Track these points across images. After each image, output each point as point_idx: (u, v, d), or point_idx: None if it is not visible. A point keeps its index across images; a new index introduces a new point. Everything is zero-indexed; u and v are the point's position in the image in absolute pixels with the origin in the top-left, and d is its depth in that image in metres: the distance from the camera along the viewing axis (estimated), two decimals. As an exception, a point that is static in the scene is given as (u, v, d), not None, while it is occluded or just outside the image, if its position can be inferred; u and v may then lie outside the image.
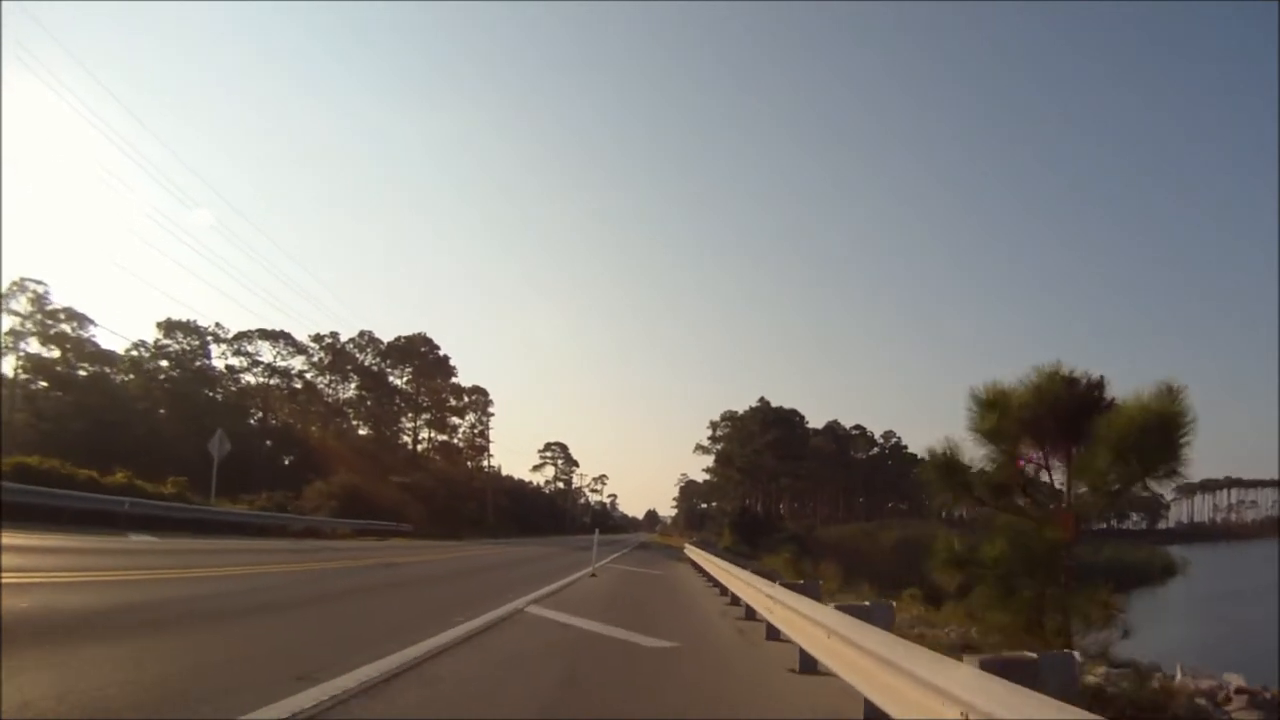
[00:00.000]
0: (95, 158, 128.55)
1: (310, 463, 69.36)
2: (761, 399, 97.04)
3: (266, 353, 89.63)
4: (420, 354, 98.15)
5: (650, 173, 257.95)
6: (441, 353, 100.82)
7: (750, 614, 14.43)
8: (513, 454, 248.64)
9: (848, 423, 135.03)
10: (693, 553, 37.93)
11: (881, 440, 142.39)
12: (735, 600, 17.13)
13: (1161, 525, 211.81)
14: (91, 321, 69.67)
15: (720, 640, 11.71)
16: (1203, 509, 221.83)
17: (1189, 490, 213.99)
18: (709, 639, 11.74)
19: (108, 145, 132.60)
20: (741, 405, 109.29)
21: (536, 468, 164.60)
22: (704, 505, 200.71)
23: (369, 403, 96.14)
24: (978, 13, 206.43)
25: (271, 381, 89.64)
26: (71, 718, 4.79)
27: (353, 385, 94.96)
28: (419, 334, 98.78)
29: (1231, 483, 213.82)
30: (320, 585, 15.20)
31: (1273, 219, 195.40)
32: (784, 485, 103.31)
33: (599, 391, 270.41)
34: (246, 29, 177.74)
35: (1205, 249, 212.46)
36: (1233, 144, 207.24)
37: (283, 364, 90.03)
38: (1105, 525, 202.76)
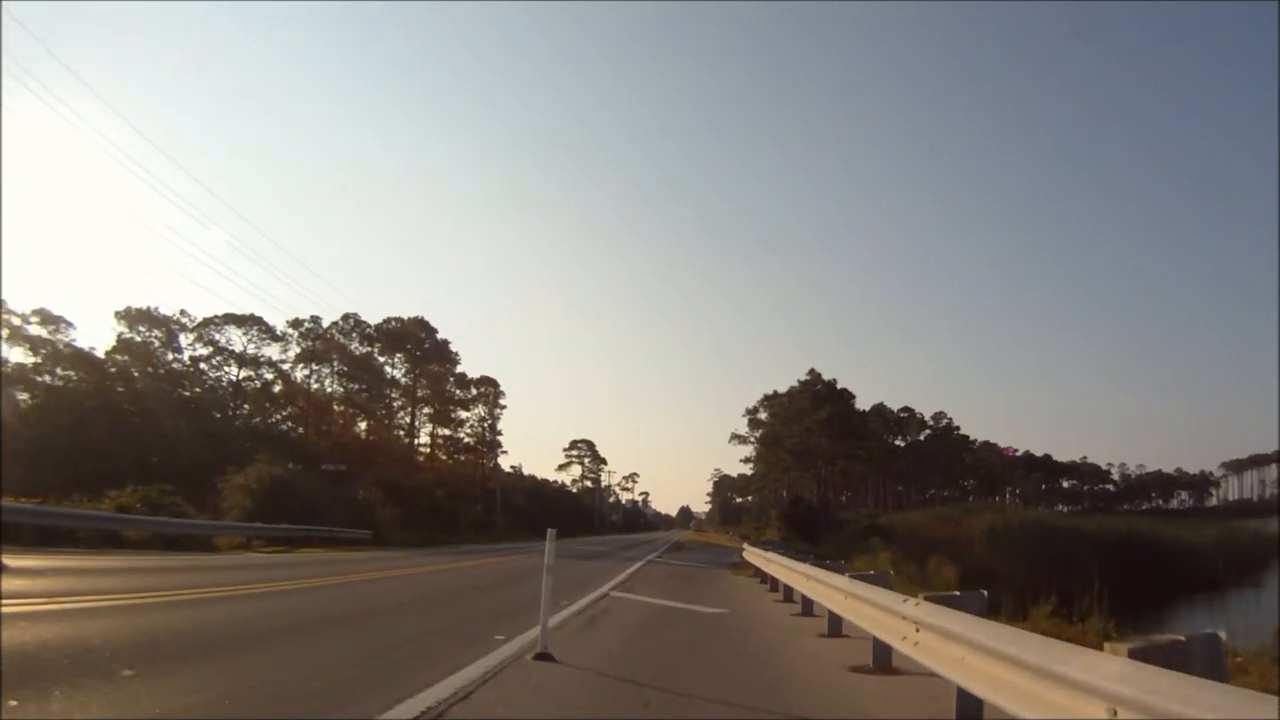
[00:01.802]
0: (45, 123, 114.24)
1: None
2: (811, 371, 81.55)
3: (238, 341, 74.65)
4: (416, 339, 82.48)
5: (671, 162, 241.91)
6: (440, 337, 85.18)
7: None
8: (534, 451, 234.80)
9: (893, 406, 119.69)
10: (763, 559, 22.08)
11: (932, 422, 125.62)
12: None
13: (1209, 503, 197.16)
14: (69, 324, 60.44)
15: None
16: (1251, 485, 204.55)
17: (1238, 466, 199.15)
18: None
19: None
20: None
21: (562, 467, 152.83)
22: (739, 499, 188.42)
23: (365, 394, 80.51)
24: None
25: (241, 375, 74.44)
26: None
27: (336, 376, 79.19)
28: (414, 318, 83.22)
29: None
30: None
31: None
32: (840, 469, 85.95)
33: (627, 390, 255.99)
34: None
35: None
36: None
37: (254, 352, 74.84)
38: (1152, 505, 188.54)
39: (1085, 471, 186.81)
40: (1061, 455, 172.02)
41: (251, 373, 75.56)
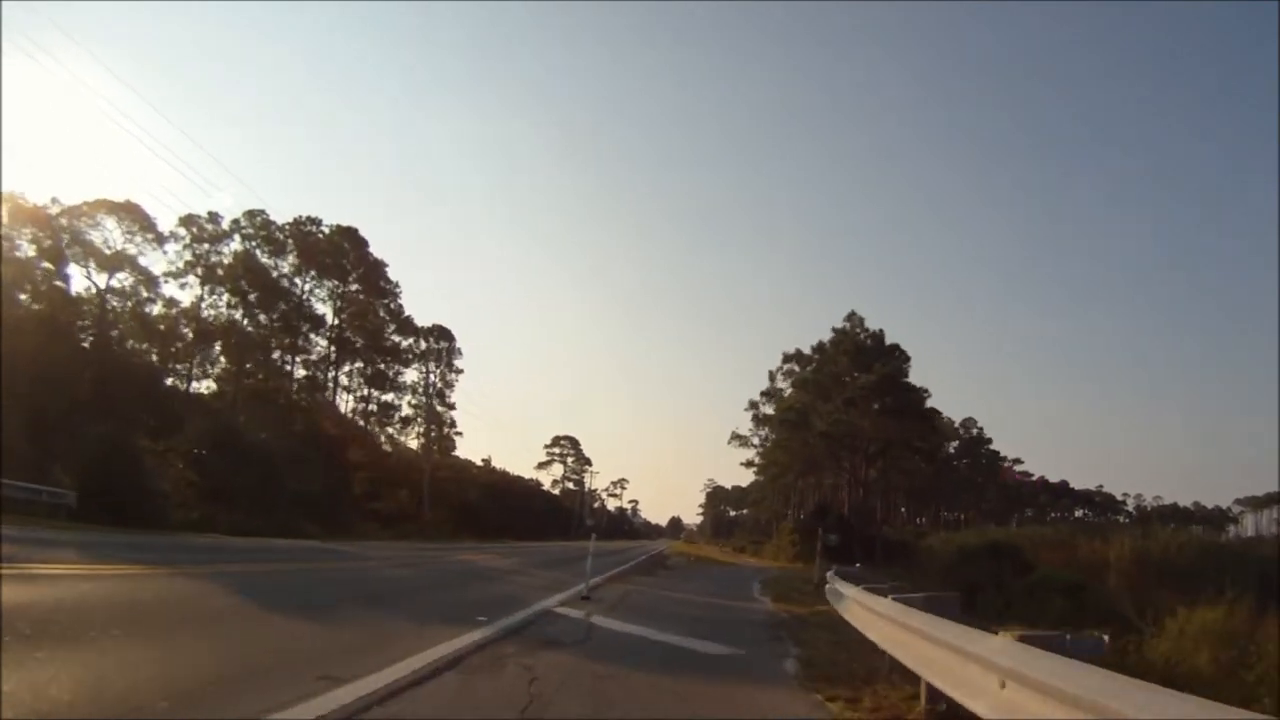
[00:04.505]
0: None
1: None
2: (851, 315, 56.82)
3: (116, 238, 52.27)
4: (340, 250, 59.83)
5: (667, 134, 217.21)
6: (374, 257, 62.95)
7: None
8: (512, 446, 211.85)
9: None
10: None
11: (960, 429, 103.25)
12: None
13: (1224, 539, 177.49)
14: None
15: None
16: (1266, 522, 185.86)
17: (1256, 504, 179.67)
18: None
19: None
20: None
21: (543, 464, 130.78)
22: (733, 512, 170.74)
23: (268, 326, 57.60)
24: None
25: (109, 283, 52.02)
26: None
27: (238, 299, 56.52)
28: (340, 226, 60.86)
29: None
30: None
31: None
32: (894, 463, 60.82)
33: (620, 392, 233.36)
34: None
35: None
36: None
37: (134, 253, 52.33)
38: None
39: (1100, 501, 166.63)
40: (1078, 482, 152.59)
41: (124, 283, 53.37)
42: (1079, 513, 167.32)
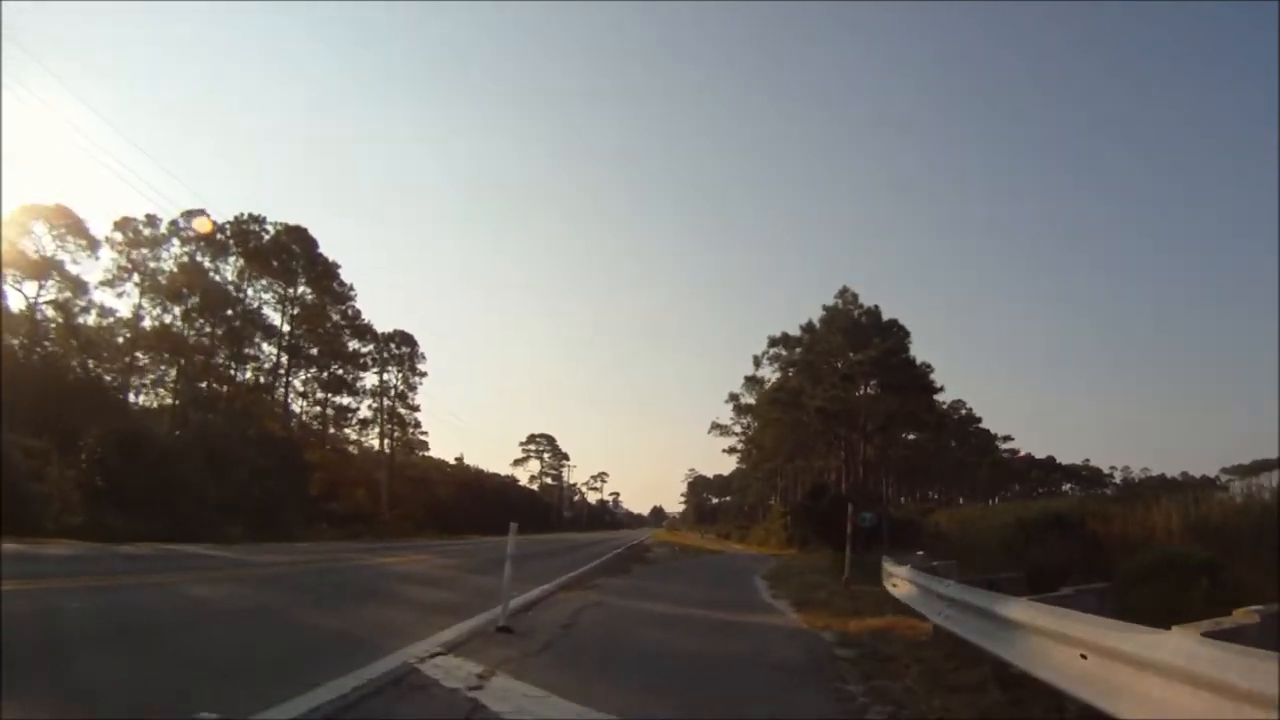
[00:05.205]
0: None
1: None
2: (844, 290, 52.45)
3: (46, 243, 47.26)
4: (288, 251, 55.13)
5: (631, 118, 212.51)
6: (325, 258, 58.11)
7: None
8: (490, 446, 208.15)
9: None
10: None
11: (948, 409, 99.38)
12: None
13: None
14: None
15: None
16: (1255, 490, 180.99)
17: (1242, 472, 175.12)
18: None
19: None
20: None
21: (519, 461, 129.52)
22: (715, 500, 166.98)
23: (210, 333, 52.93)
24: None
25: (38, 297, 47.24)
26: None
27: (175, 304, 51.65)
28: (287, 225, 55.81)
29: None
30: None
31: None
32: (893, 440, 54.86)
33: (596, 388, 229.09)
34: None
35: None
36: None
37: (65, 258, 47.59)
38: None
39: (1087, 475, 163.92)
40: (1063, 457, 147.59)
41: (54, 294, 48.67)
42: (1065, 487, 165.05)
